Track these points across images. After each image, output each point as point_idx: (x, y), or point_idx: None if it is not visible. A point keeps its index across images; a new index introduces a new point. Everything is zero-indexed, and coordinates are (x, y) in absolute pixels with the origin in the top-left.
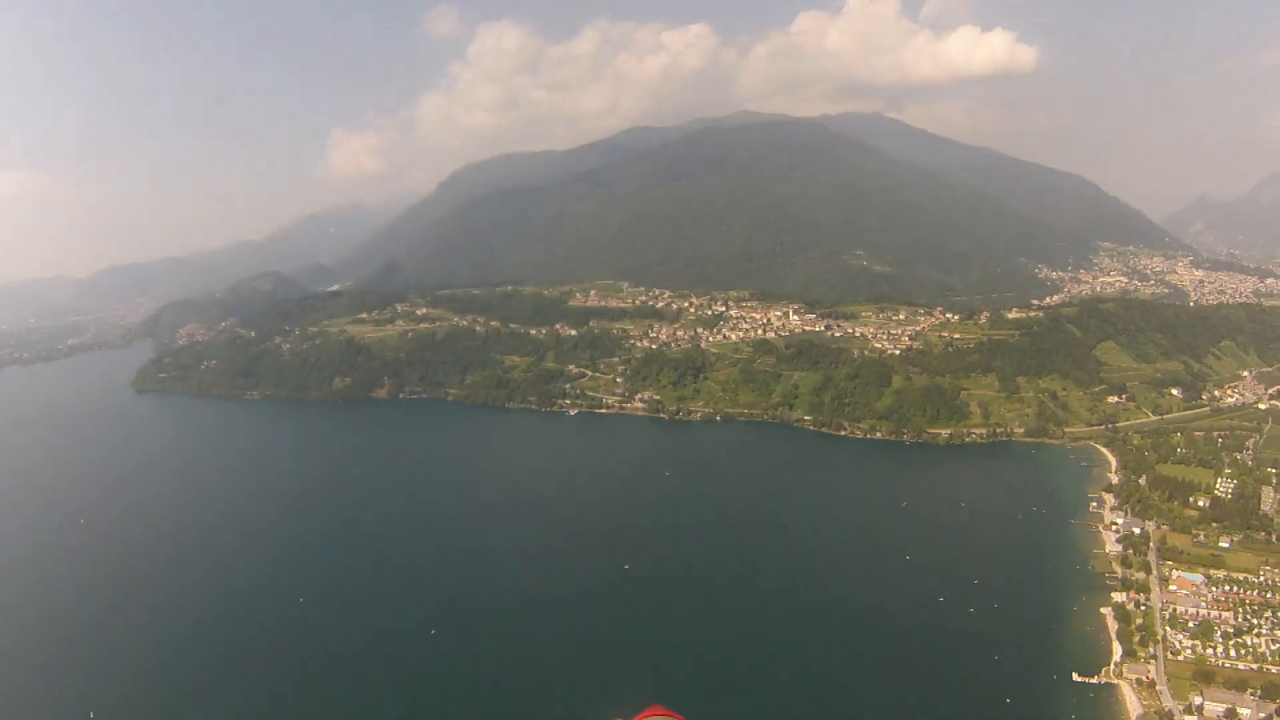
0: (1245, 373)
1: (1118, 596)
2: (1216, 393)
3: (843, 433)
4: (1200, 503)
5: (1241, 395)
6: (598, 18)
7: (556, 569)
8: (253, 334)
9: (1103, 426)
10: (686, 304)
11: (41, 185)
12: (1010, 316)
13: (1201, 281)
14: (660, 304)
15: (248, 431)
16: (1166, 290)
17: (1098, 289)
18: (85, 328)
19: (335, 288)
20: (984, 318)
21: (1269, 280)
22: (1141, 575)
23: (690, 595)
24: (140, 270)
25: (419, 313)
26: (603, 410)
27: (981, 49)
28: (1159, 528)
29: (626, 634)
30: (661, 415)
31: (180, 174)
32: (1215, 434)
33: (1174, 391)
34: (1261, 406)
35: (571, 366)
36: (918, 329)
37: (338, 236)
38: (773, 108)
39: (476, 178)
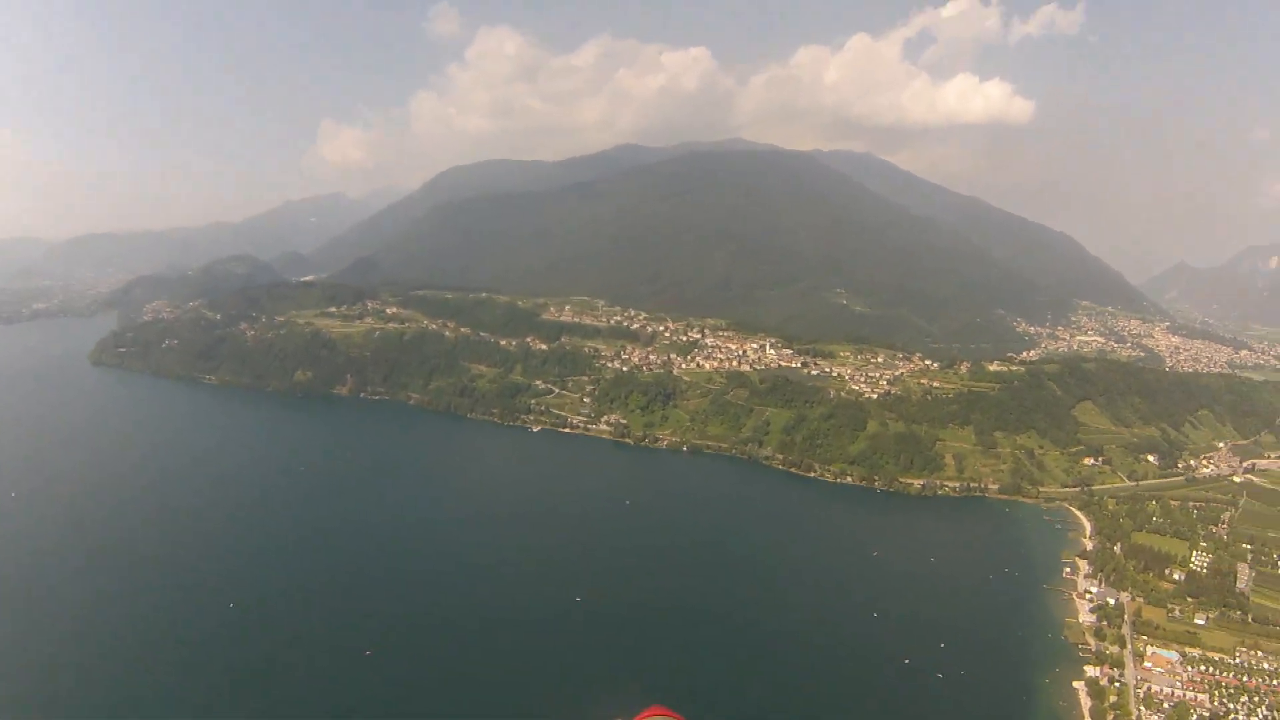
0: (1221, 444)
1: (1091, 670)
2: (1192, 462)
3: (813, 474)
4: (1176, 576)
5: (1217, 466)
6: (600, 33)
7: (503, 592)
8: (218, 316)
9: (1078, 488)
10: (662, 328)
11: (18, 142)
12: (991, 369)
13: (1178, 348)
14: (635, 325)
15: (200, 416)
16: (1143, 354)
17: (1075, 346)
18: (52, 293)
19: (309, 278)
20: (964, 368)
21: (1243, 352)
22: (1116, 649)
23: (639, 634)
24: (114, 240)
25: (389, 311)
26: (567, 430)
27: (978, 97)
28: (1134, 599)
29: (569, 666)
30: (627, 440)
31: (164, 148)
32: (1191, 505)
33: (1150, 458)
34: (1236, 479)
35: (539, 381)
36: (896, 374)
37: (317, 226)
38: (766, 138)
39: (463, 180)
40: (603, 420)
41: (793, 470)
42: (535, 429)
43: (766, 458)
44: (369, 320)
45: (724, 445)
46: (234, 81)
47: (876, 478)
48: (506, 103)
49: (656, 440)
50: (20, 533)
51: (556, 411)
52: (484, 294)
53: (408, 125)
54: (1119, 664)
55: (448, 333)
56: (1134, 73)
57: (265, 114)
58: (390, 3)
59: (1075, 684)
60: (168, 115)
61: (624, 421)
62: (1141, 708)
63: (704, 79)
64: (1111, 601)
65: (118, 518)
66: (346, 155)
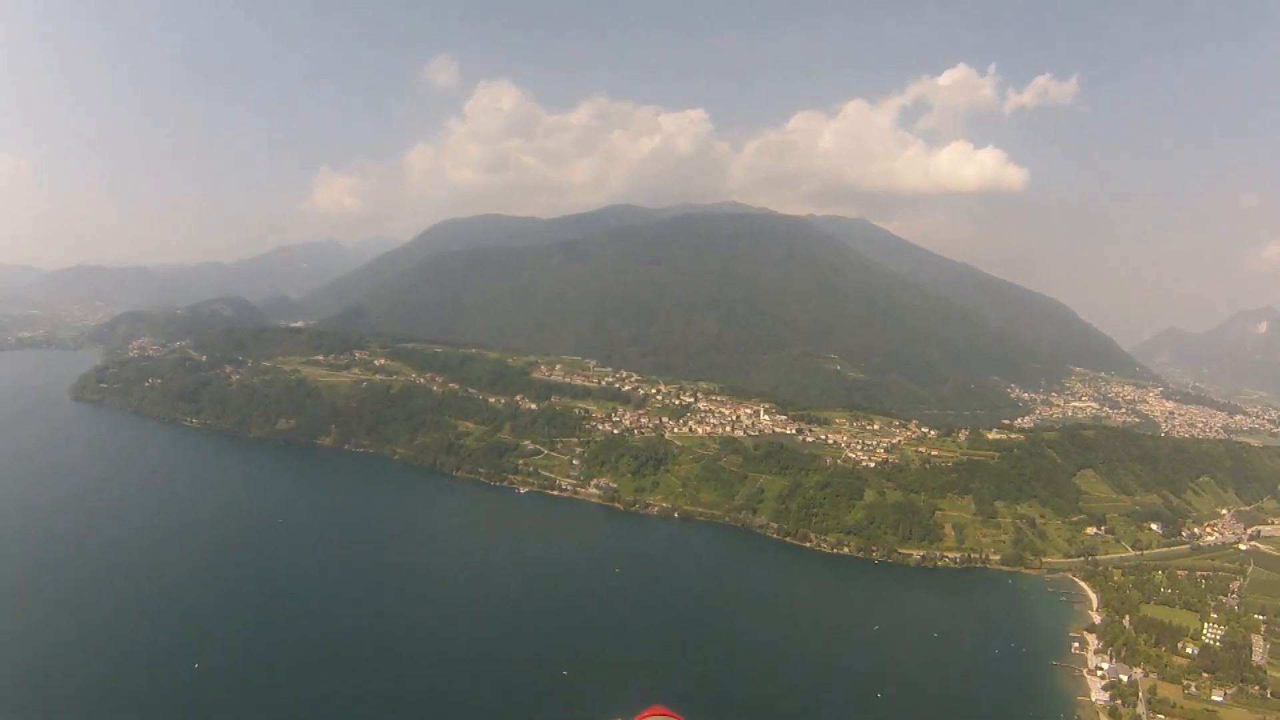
0: (1224, 510)
1: None
2: (1196, 530)
3: (808, 544)
4: (1189, 649)
5: (1221, 534)
6: (597, 92)
7: (482, 670)
8: (204, 358)
9: (1081, 559)
10: (654, 390)
11: (19, 169)
12: (990, 437)
13: (1172, 413)
14: (627, 387)
15: (178, 462)
16: (1138, 420)
17: (1069, 413)
18: (39, 322)
19: (297, 323)
20: (963, 435)
21: (1238, 416)
22: None
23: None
24: (105, 274)
25: (377, 363)
26: (555, 492)
27: (972, 165)
28: (1147, 675)
29: None
30: (616, 505)
31: (161, 185)
32: (1198, 574)
33: (1153, 526)
34: (1242, 547)
35: (528, 442)
36: (893, 441)
37: (308, 271)
38: (759, 201)
39: (456, 233)
40: (592, 484)
41: (788, 539)
42: (522, 490)
43: (760, 526)
44: (356, 370)
45: (716, 512)
46: (234, 124)
47: (874, 548)
48: (501, 157)
49: (647, 506)
50: None
51: (545, 473)
52: (474, 349)
53: (403, 176)
54: None
55: (435, 387)
56: (1124, 142)
57: (263, 158)
58: (390, 53)
59: None
60: (168, 154)
61: (614, 485)
62: None
63: (699, 141)
64: (1124, 678)
65: (79, 569)
66: (341, 203)
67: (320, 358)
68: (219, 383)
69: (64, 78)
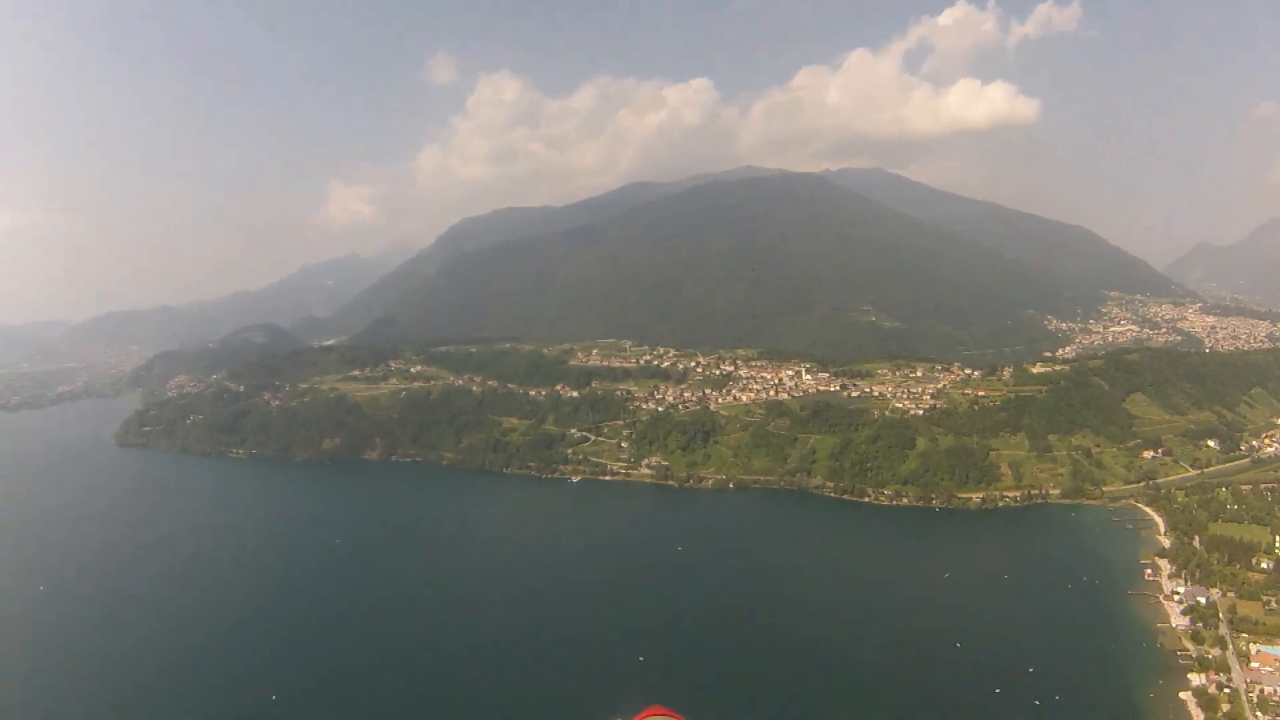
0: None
1: (1195, 679)
2: (1254, 443)
3: (866, 499)
4: (1263, 565)
5: None
6: (598, 74)
7: (565, 660)
8: (241, 388)
9: (1142, 484)
10: (693, 363)
11: (50, 225)
12: (1035, 371)
13: (1214, 327)
14: (665, 364)
15: (227, 494)
16: (1179, 338)
17: (1110, 339)
18: (76, 374)
19: (329, 342)
20: (1007, 373)
21: None
22: (1217, 652)
23: (714, 687)
24: (135, 317)
25: (413, 370)
26: (607, 477)
27: (982, 102)
28: (1225, 595)
29: None
30: (670, 482)
31: (176, 220)
32: (1263, 488)
33: (1210, 443)
34: None
35: (573, 430)
36: (939, 386)
37: (333, 288)
38: (773, 163)
39: (474, 231)
40: (643, 464)
41: (845, 497)
42: (575, 479)
43: (816, 487)
44: (393, 381)
45: (771, 478)
46: (243, 146)
47: (933, 496)
48: (509, 149)
49: (701, 480)
50: (49, 626)
51: (594, 459)
52: (507, 344)
53: (414, 178)
54: (1224, 668)
55: (475, 387)
56: (1134, 63)
57: (274, 177)
58: (388, 57)
59: (1182, 695)
60: (180, 188)
61: (665, 463)
62: (1258, 714)
63: (706, 110)
64: (1202, 600)
65: (146, 607)
66: (356, 215)
67: (356, 373)
68: (259, 411)
69: (76, 133)
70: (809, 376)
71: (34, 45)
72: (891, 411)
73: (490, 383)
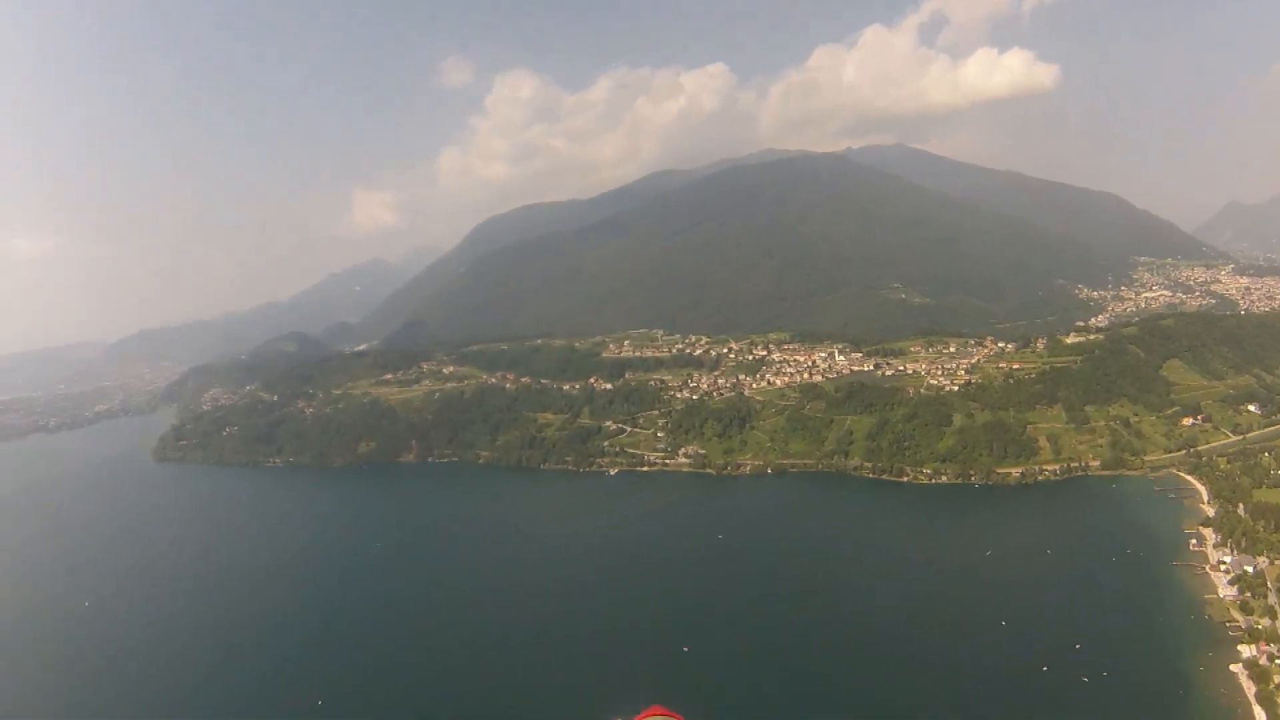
0: None
1: (1246, 650)
2: None
3: (905, 478)
4: None
5: None
6: (614, 65)
7: (610, 649)
8: (275, 398)
9: (1183, 452)
10: (726, 350)
11: (79, 248)
12: (1069, 341)
13: (1248, 289)
14: (698, 351)
15: (266, 504)
16: (1214, 301)
17: (1143, 305)
18: (112, 393)
19: (361, 347)
20: (1041, 344)
21: None
22: (1267, 622)
23: (758, 676)
24: (167, 334)
25: (445, 371)
26: (645, 468)
27: (1000, 71)
28: (1273, 563)
29: None
30: (708, 470)
31: (206, 238)
32: None
33: (1251, 408)
34: None
35: (609, 422)
36: (972, 361)
37: (361, 294)
38: (795, 144)
39: (499, 229)
40: (680, 453)
41: (884, 477)
42: (613, 472)
43: (855, 468)
44: (426, 383)
45: (809, 462)
46: (264, 159)
47: (972, 472)
48: (529, 146)
49: (739, 466)
50: (96, 639)
51: (631, 451)
52: (539, 340)
53: (435, 181)
54: (1275, 638)
55: (508, 384)
56: (1153, 21)
57: (296, 192)
58: (403, 62)
59: (1233, 667)
60: (206, 201)
61: (702, 451)
62: None
63: (724, 95)
64: (1250, 569)
65: (192, 622)
66: (380, 221)
67: (389, 376)
68: (294, 419)
69: (94, 153)
70: (842, 357)
71: (57, 67)
72: (926, 389)
73: (523, 379)
